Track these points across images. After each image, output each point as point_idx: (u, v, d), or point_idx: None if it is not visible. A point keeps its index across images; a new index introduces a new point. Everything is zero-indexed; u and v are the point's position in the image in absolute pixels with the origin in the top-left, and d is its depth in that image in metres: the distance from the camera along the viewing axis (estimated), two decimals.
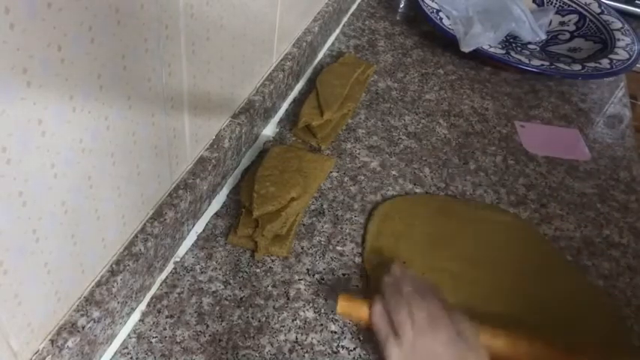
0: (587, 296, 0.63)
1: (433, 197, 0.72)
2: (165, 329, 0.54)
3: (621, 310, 0.62)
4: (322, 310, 0.57)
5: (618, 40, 1.00)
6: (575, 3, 1.10)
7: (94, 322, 0.46)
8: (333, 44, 1.00)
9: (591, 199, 0.76)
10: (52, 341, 0.43)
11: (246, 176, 0.70)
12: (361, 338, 0.55)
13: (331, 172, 0.73)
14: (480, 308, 0.58)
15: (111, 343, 0.51)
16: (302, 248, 0.63)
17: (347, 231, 0.66)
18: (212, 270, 0.59)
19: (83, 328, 0.45)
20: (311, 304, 0.58)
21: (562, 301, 0.62)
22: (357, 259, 0.63)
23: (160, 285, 0.57)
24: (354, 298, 0.54)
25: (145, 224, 0.53)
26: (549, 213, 0.72)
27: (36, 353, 0.42)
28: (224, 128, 0.66)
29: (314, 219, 0.67)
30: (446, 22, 0.99)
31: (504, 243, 0.67)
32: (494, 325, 0.53)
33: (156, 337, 0.53)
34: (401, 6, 1.13)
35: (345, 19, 1.07)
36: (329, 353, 0.54)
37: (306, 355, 0.53)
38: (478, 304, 0.59)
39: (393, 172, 0.75)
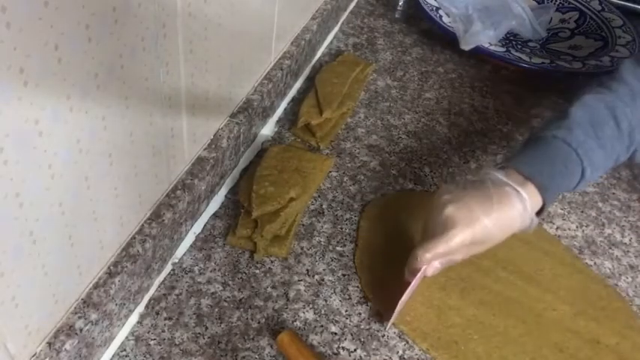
0: (600, 294, 0.63)
1: (429, 195, 0.71)
2: (163, 331, 0.53)
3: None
4: (322, 312, 0.57)
5: (619, 37, 0.99)
6: (575, 0, 1.09)
7: (92, 324, 0.45)
8: (331, 42, 0.99)
9: (592, 197, 0.75)
10: (49, 344, 0.43)
11: (245, 176, 0.69)
12: (362, 339, 0.55)
13: (330, 171, 0.73)
14: (491, 319, 0.58)
15: (109, 346, 0.51)
16: (301, 249, 0.62)
17: (347, 231, 0.65)
18: (211, 271, 0.59)
19: (81, 330, 0.44)
20: (311, 306, 0.57)
21: (576, 303, 0.61)
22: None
23: (158, 286, 0.57)
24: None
25: (142, 225, 0.53)
26: (551, 212, 0.72)
27: (33, 356, 0.42)
28: (222, 128, 0.65)
29: (313, 219, 0.66)
30: (445, 19, 0.98)
31: (508, 242, 0.67)
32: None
33: (154, 339, 0.52)
34: (400, 4, 1.12)
35: (343, 17, 1.07)
36: (329, 355, 0.53)
37: None
38: (488, 311, 0.59)
39: (393, 172, 0.74)
